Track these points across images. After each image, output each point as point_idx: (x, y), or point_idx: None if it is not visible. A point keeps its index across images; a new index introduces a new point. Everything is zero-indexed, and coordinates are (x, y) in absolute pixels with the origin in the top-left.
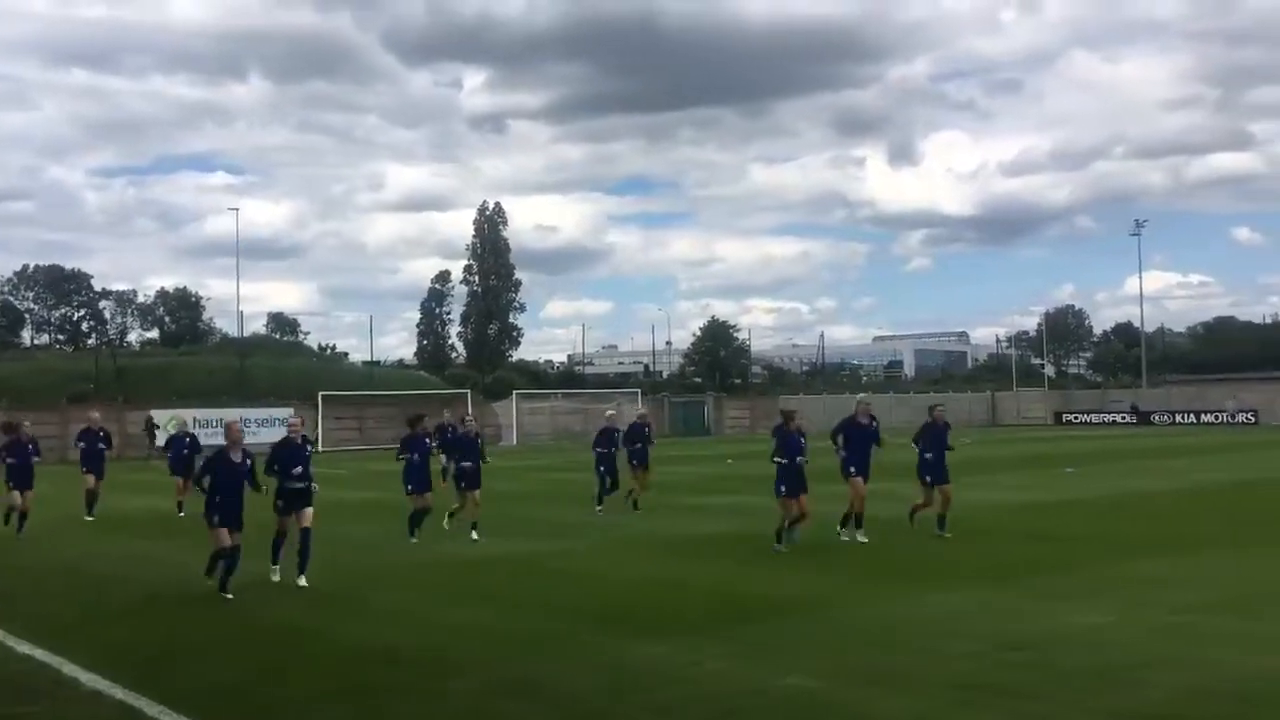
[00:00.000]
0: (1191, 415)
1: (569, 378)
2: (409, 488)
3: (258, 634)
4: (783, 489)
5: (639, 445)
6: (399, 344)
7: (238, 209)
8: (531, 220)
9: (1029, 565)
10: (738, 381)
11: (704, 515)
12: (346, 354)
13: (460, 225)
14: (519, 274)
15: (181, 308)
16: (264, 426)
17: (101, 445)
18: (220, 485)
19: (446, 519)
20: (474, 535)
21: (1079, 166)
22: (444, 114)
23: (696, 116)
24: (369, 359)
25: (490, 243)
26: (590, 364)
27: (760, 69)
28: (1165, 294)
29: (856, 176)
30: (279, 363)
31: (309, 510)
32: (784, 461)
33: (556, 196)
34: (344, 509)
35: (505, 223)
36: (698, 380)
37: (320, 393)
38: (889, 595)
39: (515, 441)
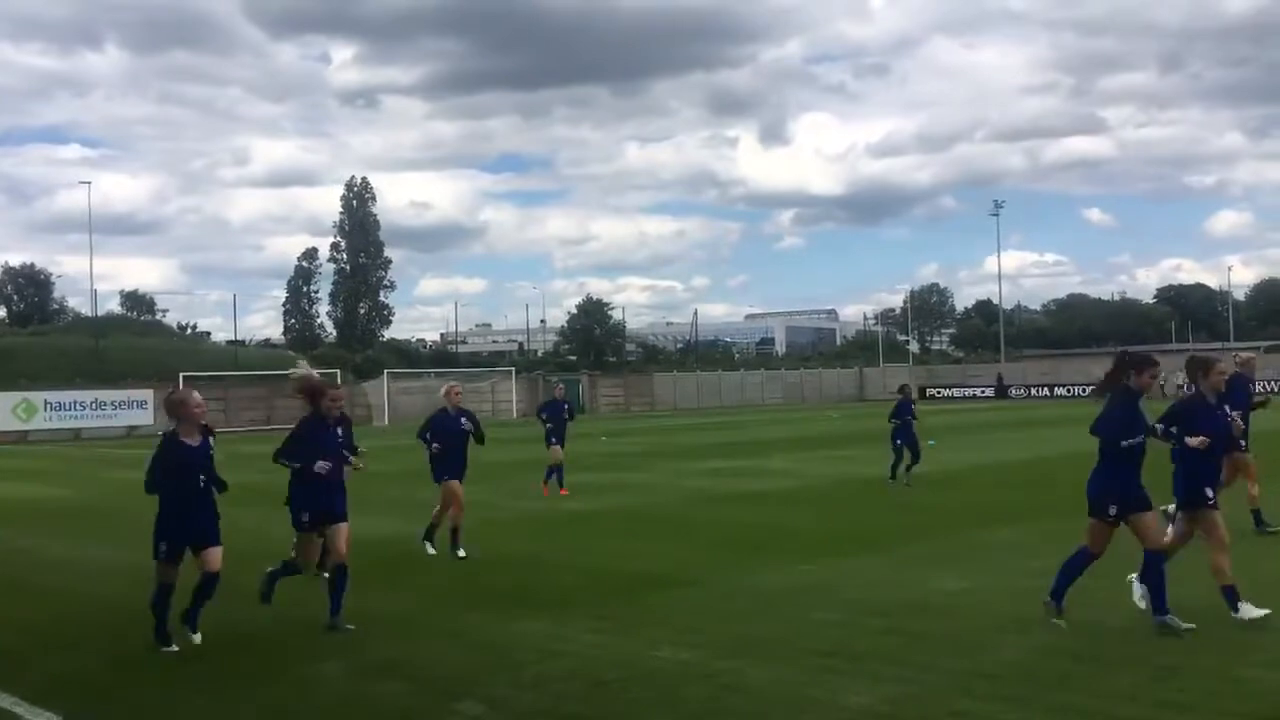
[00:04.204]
0: (1046, 389)
1: (441, 357)
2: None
3: (116, 622)
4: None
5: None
6: (265, 323)
7: (89, 182)
8: (405, 197)
9: (891, 535)
10: (612, 360)
11: (579, 492)
12: (209, 334)
13: (329, 202)
14: (390, 251)
15: (30, 285)
16: (121, 409)
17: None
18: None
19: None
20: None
21: (942, 149)
22: (312, 88)
23: (571, 94)
24: (233, 339)
25: (358, 219)
26: (464, 342)
27: (635, 48)
28: (1022, 272)
29: (729, 156)
30: (136, 342)
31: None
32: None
33: (430, 173)
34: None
35: (374, 198)
36: (572, 358)
37: (181, 373)
38: (758, 568)
39: (387, 422)
